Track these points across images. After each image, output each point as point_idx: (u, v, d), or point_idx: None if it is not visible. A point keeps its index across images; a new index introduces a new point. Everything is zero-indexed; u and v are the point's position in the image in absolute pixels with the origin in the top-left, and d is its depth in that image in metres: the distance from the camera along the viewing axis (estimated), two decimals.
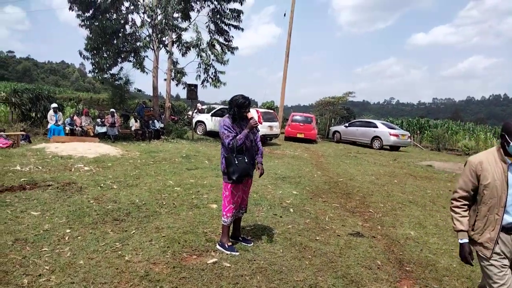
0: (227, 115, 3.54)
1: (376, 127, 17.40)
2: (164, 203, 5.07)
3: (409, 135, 18.32)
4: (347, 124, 19.52)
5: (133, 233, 3.94)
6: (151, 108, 16.18)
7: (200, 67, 15.07)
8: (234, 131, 3.43)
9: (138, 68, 14.17)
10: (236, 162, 3.38)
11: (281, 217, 4.89)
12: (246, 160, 3.43)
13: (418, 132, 23.46)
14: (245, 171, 3.40)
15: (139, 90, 17.79)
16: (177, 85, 17.01)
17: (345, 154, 13.60)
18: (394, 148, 17.10)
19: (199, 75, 15.35)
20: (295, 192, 6.32)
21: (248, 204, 3.99)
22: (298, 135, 17.58)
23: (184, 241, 3.82)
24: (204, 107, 25.32)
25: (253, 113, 3.88)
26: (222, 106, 17.86)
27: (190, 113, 21.04)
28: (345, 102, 25.34)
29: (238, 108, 3.43)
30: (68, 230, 3.89)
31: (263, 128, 14.18)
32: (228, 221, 3.62)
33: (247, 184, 3.71)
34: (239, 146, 3.39)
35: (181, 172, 7.34)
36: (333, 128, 20.67)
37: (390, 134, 16.63)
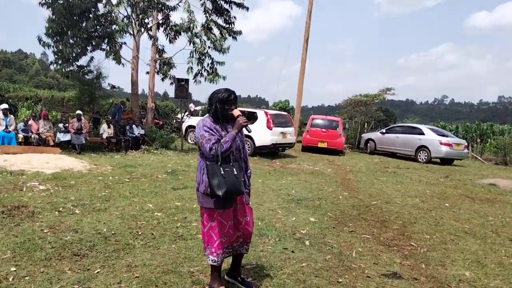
0: (206, 115, 3.53)
1: (423, 134, 17.35)
2: (140, 233, 5.06)
3: (466, 144, 18.17)
4: (384, 130, 19.50)
5: (98, 272, 3.92)
6: (130, 110, 16.36)
7: (193, 56, 15.28)
8: (218, 133, 3.38)
9: (113, 59, 14.39)
10: (222, 172, 3.28)
11: (293, 252, 4.84)
12: (236, 173, 3.36)
13: (479, 140, 23.27)
14: (234, 186, 3.29)
15: (114, 87, 18.08)
16: (163, 80, 17.30)
17: (381, 169, 13.51)
18: (446, 161, 17.00)
19: (191, 67, 15.56)
20: (313, 219, 6.27)
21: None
22: (320, 145, 17.60)
23: (164, 283, 3.78)
24: (197, 108, 25.52)
25: (236, 111, 3.82)
26: None
27: (179, 116, 21.19)
28: (382, 101, 25.30)
29: (220, 104, 3.41)
30: (13, 269, 3.88)
31: (274, 136, 14.23)
32: (219, 260, 3.55)
33: (243, 209, 3.66)
34: (225, 152, 3.30)
35: (165, 193, 7.35)
36: (365, 136, 20.61)
37: (441, 143, 16.52)
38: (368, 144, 19.88)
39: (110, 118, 15.61)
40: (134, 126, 14.38)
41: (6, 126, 11.90)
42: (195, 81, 16.00)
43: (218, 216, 3.45)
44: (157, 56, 16.38)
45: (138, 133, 14.31)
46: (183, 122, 17.65)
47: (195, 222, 5.65)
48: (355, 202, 7.79)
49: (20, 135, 12.06)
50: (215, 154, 3.28)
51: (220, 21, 16.03)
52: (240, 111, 3.53)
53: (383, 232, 5.91)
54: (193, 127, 17.02)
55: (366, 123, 24.74)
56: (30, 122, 12.65)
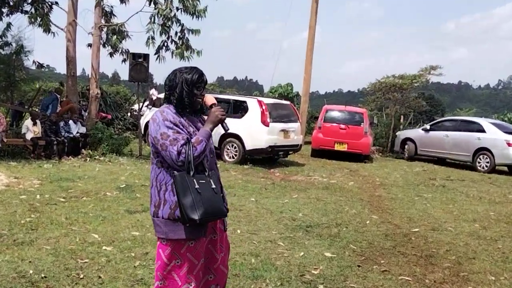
0: (165, 104, 3.46)
1: (483, 131, 17.42)
2: (82, 276, 5.03)
3: None
4: (428, 127, 19.54)
5: None
6: (64, 99, 16.26)
7: (154, 22, 15.23)
8: (184, 131, 3.35)
9: (39, 25, 14.33)
10: (197, 186, 3.24)
11: None
12: (214, 186, 3.34)
13: None
14: (215, 205, 3.27)
15: (42, 66, 17.94)
16: (111, 55, 17.20)
17: (425, 181, 13.54)
18: None
19: (152, 38, 15.49)
20: (329, 254, 6.26)
21: (228, 277, 3.90)
22: (337, 147, 17.65)
23: None
24: (161, 95, 25.39)
25: (209, 97, 3.71)
26: None
27: (135, 107, 21.16)
28: (424, 85, 25.36)
29: (188, 88, 3.39)
30: None
31: (272, 135, 14.23)
32: None
33: (221, 240, 3.63)
34: (199, 156, 3.30)
35: (117, 218, 7.30)
36: (402, 134, 20.65)
37: (509, 145, 16.61)
38: (406, 146, 19.91)
39: (38, 110, 15.53)
40: (71, 122, 14.30)
41: None
42: (158, 57, 15.97)
43: (187, 252, 3.37)
44: (103, 21, 16.34)
45: (77, 132, 14.24)
46: (142, 115, 17.61)
47: None
48: (388, 229, 7.77)
49: None
50: (185, 160, 3.23)
51: None
52: (223, 100, 3.53)
53: (429, 272, 5.90)
54: None
55: (402, 116, 24.81)
56: None
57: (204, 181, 3.28)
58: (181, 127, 3.31)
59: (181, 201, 3.21)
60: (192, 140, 3.26)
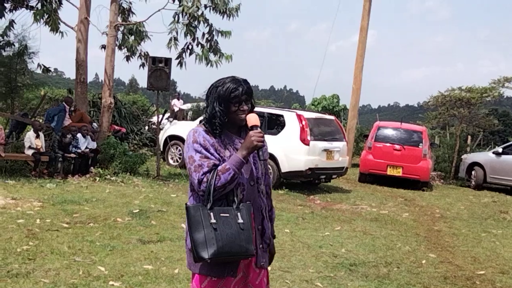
0: (198, 123, 3.51)
1: None
2: None
3: None
4: (500, 150, 19.24)
5: None
6: (74, 109, 16.40)
7: (178, 21, 15.40)
8: (215, 154, 3.40)
9: (46, 24, 14.57)
10: (213, 220, 3.26)
11: None
12: (241, 221, 3.32)
13: None
14: (235, 244, 3.25)
15: (49, 70, 18.25)
16: (128, 59, 17.40)
17: (494, 215, 13.35)
18: None
19: (175, 39, 15.63)
20: None
21: None
22: (390, 171, 17.54)
23: None
24: (185, 107, 25.68)
25: (252, 117, 3.60)
26: None
27: (154, 119, 21.33)
28: (497, 99, 25.03)
29: (221, 104, 3.40)
30: None
31: (313, 155, 14.18)
32: None
33: (255, 279, 3.62)
34: (223, 188, 3.30)
35: (127, 249, 7.33)
36: (469, 158, 20.39)
37: None
38: (473, 172, 19.63)
39: (42, 122, 15.65)
40: (79, 135, 14.43)
41: None
42: (180, 62, 16.11)
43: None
44: (119, 20, 16.56)
45: (86, 148, 14.37)
46: (161, 129, 17.75)
47: None
48: (448, 271, 7.66)
49: None
50: (205, 191, 3.28)
51: None
52: (257, 113, 3.50)
53: None
54: (178, 138, 17.03)
55: (470, 137, 24.53)
56: None
57: (227, 215, 3.29)
58: (211, 150, 3.34)
59: (192, 236, 3.25)
60: (219, 168, 3.28)
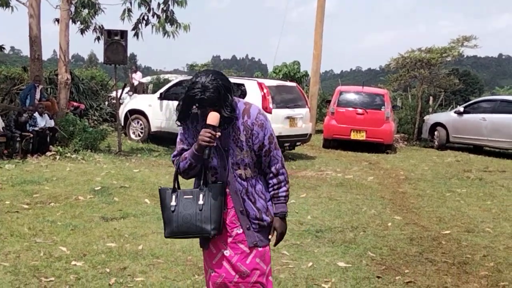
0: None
1: None
2: None
3: None
4: (462, 109, 19.47)
5: None
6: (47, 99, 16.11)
7: None
8: (187, 140, 3.65)
9: None
10: (173, 203, 3.57)
11: None
12: (202, 202, 3.51)
13: None
14: (193, 223, 3.51)
15: (2, 48, 17.92)
16: (82, 32, 17.16)
17: (458, 174, 13.54)
18: None
19: (129, 10, 15.45)
20: (344, 264, 6.26)
21: None
22: (354, 136, 17.68)
23: None
24: (144, 80, 25.44)
25: (211, 115, 3.57)
26: (183, 77, 17.87)
27: (114, 94, 21.11)
28: (457, 60, 25.24)
29: (183, 102, 3.50)
30: None
31: (276, 123, 14.14)
32: None
33: (241, 258, 3.65)
34: (185, 173, 3.64)
35: (89, 227, 7.30)
36: (431, 119, 20.60)
37: None
38: (436, 133, 19.86)
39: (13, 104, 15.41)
40: (36, 114, 14.23)
41: None
42: (136, 33, 15.92)
43: (204, 257, 3.81)
44: None
45: (45, 125, 14.18)
46: (121, 103, 17.57)
47: (141, 275, 5.61)
48: (414, 232, 7.75)
49: None
50: (174, 173, 3.69)
51: None
52: None
53: (462, 283, 5.88)
54: (139, 112, 16.88)
55: (431, 98, 24.75)
56: None
57: (190, 197, 3.57)
58: (188, 132, 3.62)
59: (162, 215, 3.64)
60: (182, 155, 3.60)
